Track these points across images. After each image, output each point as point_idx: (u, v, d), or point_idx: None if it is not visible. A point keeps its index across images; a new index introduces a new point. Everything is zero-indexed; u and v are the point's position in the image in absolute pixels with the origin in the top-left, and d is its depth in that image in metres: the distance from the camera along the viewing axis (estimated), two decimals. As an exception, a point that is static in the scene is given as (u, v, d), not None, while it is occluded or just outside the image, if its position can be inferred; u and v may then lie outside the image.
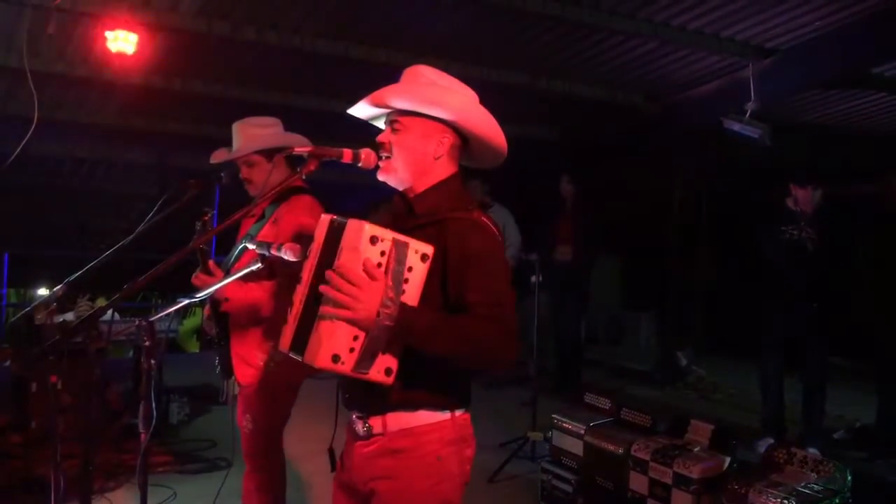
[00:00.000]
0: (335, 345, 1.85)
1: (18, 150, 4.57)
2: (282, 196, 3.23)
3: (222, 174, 3.36)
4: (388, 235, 1.86)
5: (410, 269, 1.89)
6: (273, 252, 2.30)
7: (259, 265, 2.37)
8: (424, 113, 2.06)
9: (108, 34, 4.98)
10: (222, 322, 3.30)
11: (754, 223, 5.82)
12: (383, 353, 1.89)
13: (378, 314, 1.82)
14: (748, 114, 6.05)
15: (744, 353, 6.13)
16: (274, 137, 3.35)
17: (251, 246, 2.35)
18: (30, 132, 4.31)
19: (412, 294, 1.90)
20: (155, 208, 2.87)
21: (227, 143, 3.53)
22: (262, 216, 3.35)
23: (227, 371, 3.33)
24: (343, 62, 6.07)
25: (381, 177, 2.12)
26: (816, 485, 3.24)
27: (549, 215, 7.59)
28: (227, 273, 2.80)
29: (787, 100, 6.95)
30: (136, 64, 5.28)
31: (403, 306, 1.86)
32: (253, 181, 3.33)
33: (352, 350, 1.86)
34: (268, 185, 3.22)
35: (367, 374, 1.89)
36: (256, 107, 6.93)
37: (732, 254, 8.35)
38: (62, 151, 8.59)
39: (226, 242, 3.49)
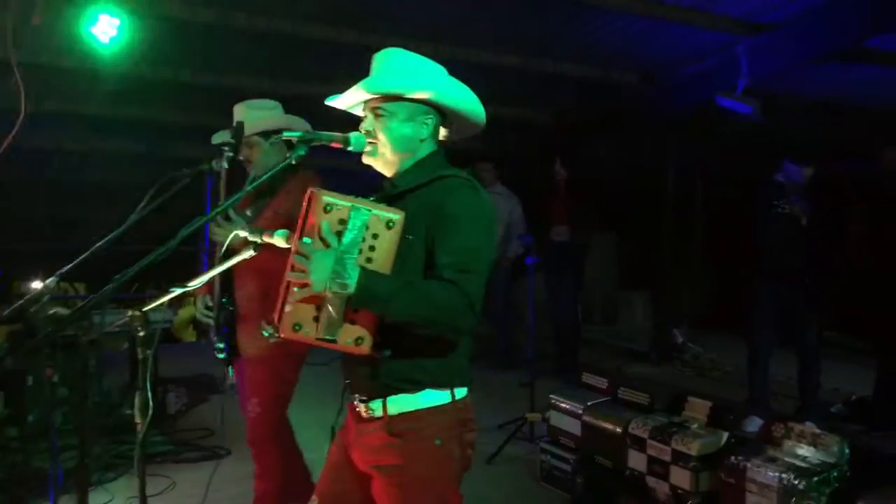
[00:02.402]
0: (299, 313, 1.90)
1: (7, 142, 4.53)
2: (281, 178, 3.26)
3: (213, 163, 3.36)
4: (345, 203, 1.88)
5: (376, 235, 1.90)
6: (265, 238, 2.29)
7: (252, 253, 2.35)
8: (406, 97, 2.07)
9: (94, 22, 4.93)
10: (230, 295, 3.33)
11: (746, 199, 5.82)
12: (350, 321, 1.91)
13: (330, 280, 1.83)
14: (740, 89, 6.03)
15: (740, 329, 6.14)
16: (273, 120, 3.43)
17: (242, 234, 2.33)
18: (17, 125, 4.27)
19: (382, 261, 1.92)
20: (145, 199, 2.85)
21: (218, 130, 3.55)
22: (261, 197, 3.40)
23: (232, 351, 3.35)
24: (334, 47, 6.02)
25: (366, 160, 2.15)
26: (814, 458, 3.25)
27: (544, 196, 7.59)
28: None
29: (781, 75, 6.92)
30: (123, 53, 5.24)
31: (363, 272, 1.86)
32: (253, 162, 3.42)
33: (315, 319, 1.90)
34: (264, 168, 3.32)
35: (335, 342, 1.93)
36: (247, 94, 6.86)
37: (727, 231, 8.34)
38: (51, 143, 8.50)
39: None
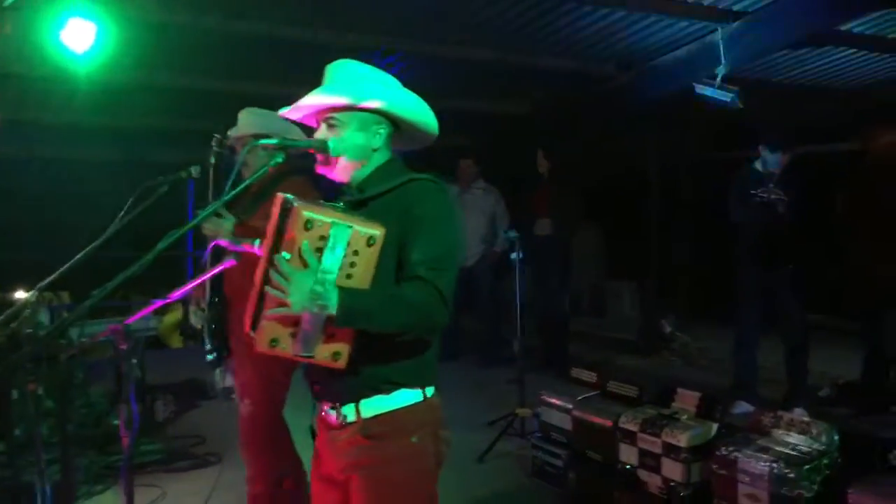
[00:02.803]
0: (275, 329, 1.89)
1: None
2: (272, 183, 3.30)
3: (192, 169, 3.35)
4: (326, 219, 1.84)
5: (356, 252, 1.87)
6: (245, 247, 2.27)
7: (233, 262, 2.34)
8: (357, 106, 2.09)
9: (66, 29, 4.87)
10: (219, 294, 3.34)
11: (724, 188, 5.86)
12: (327, 337, 1.89)
13: (309, 301, 1.82)
14: (719, 78, 6.03)
15: (727, 318, 6.18)
16: (263, 125, 3.45)
17: (223, 243, 2.31)
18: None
19: (361, 276, 1.89)
20: (126, 206, 2.83)
21: (198, 134, 3.59)
22: (258, 200, 3.42)
23: (221, 352, 3.35)
24: (311, 48, 5.98)
25: (320, 171, 2.17)
26: (804, 446, 3.26)
27: (527, 190, 7.58)
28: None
29: (758, 61, 6.94)
30: (97, 58, 5.18)
31: (342, 291, 1.85)
32: (248, 164, 3.43)
33: (293, 335, 1.88)
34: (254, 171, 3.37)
35: (313, 357, 1.91)
36: (224, 97, 6.82)
37: (713, 219, 8.37)
38: (28, 153, 8.46)
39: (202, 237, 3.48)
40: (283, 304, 1.85)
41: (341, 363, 1.94)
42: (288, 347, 1.89)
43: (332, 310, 1.83)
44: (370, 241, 1.87)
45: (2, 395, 4.67)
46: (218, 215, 3.05)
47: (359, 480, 2.07)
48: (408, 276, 1.97)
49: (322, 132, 2.14)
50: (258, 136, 3.38)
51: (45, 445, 3.03)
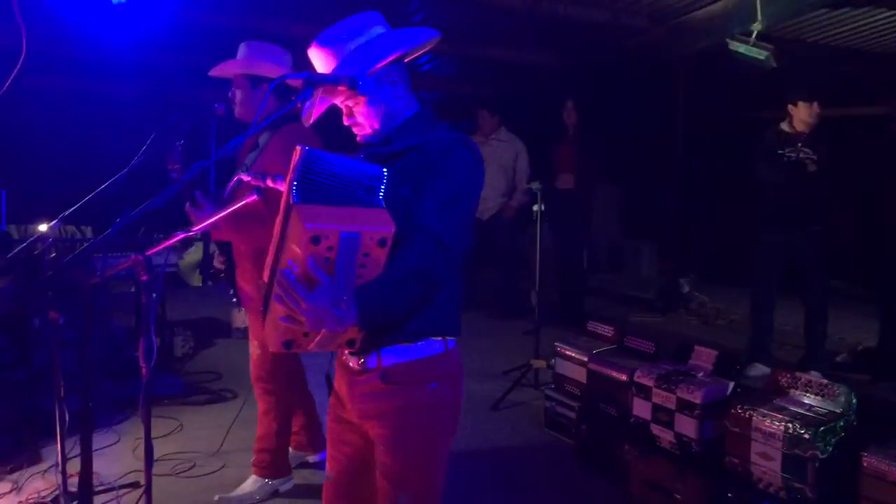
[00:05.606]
0: (289, 331, 1.78)
1: (7, 85, 4.47)
2: (275, 125, 3.22)
3: (217, 106, 3.32)
4: (333, 229, 1.68)
5: (367, 254, 1.75)
6: (269, 183, 2.24)
7: (255, 197, 2.33)
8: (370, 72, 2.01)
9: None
10: (227, 253, 3.41)
11: (749, 148, 5.76)
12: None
13: (329, 324, 1.72)
14: (754, 35, 5.90)
15: (745, 279, 6.13)
16: (260, 66, 3.35)
17: (246, 177, 2.28)
18: (18, 66, 4.21)
19: (372, 271, 1.79)
20: (149, 141, 2.82)
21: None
22: (256, 146, 3.37)
23: (239, 299, 3.46)
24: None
25: (347, 122, 2.11)
26: (821, 408, 3.24)
27: (551, 143, 7.49)
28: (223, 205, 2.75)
29: (794, 20, 6.78)
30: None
31: (360, 297, 1.75)
32: (236, 102, 3.41)
33: (306, 335, 1.79)
34: (262, 114, 3.29)
35: (329, 349, 1.87)
36: (229, 33, 6.74)
37: (734, 180, 8.27)
38: (56, 86, 8.46)
39: (222, 175, 3.47)
40: (295, 319, 1.74)
41: (356, 347, 1.90)
42: (303, 346, 1.82)
43: (354, 321, 1.75)
44: (382, 242, 1.75)
45: (23, 323, 4.74)
46: None
47: (377, 426, 2.07)
48: (412, 225, 1.90)
49: (341, 100, 2.07)
50: (249, 76, 3.35)
51: (65, 374, 3.06)
